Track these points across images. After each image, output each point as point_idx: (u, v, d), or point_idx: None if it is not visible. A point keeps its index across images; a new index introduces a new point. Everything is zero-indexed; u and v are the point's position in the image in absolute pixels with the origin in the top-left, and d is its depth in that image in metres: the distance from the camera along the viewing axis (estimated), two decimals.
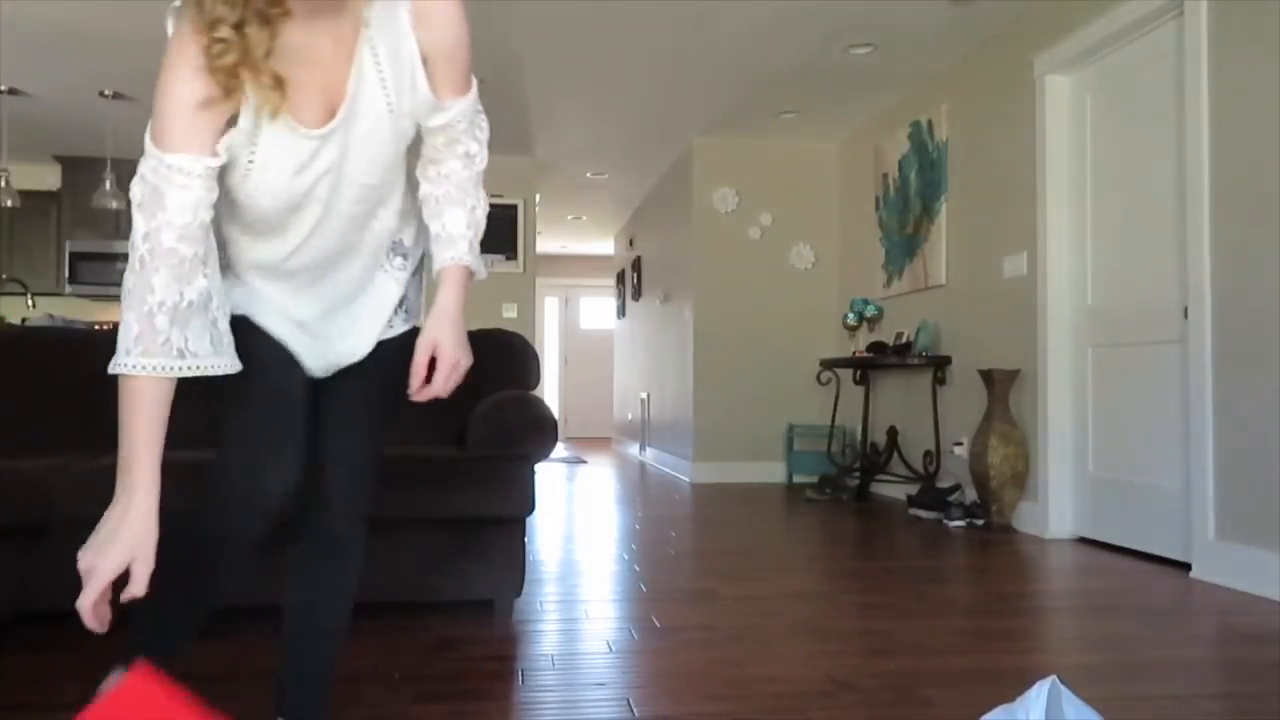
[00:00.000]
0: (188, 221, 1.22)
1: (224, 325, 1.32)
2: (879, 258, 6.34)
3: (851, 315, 6.18)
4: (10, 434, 3.07)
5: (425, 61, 1.33)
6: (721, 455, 7.05)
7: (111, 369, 1.24)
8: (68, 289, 7.44)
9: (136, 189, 1.23)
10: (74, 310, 7.47)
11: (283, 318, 1.44)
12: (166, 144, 1.20)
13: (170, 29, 1.24)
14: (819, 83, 5.82)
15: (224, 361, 1.29)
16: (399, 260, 1.55)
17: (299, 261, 1.41)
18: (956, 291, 5.34)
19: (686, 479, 7.19)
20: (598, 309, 13.54)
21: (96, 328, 6.78)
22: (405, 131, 1.39)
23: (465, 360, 1.50)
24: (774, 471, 7.07)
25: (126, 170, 7.06)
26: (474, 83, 1.46)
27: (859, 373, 6.23)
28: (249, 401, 1.40)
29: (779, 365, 7.07)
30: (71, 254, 7.44)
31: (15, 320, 6.58)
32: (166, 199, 1.21)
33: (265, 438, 1.39)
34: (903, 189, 6.00)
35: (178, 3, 1.22)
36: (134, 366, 1.21)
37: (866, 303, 6.18)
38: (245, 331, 1.39)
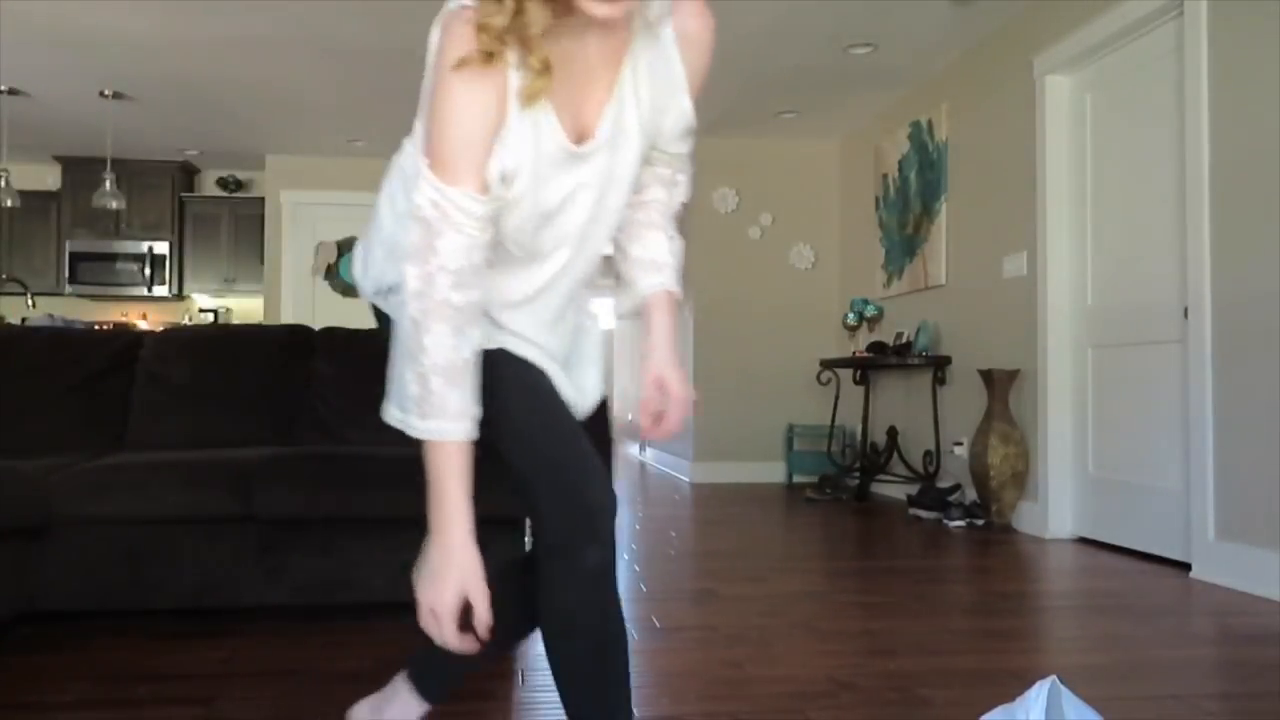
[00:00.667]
0: (461, 266, 1.16)
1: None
2: (879, 258, 6.34)
3: (851, 315, 6.18)
4: (10, 434, 3.07)
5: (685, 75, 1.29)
6: (721, 455, 7.05)
7: (388, 420, 1.24)
8: (68, 289, 7.45)
9: (414, 232, 1.17)
10: (74, 310, 7.47)
11: (540, 352, 1.36)
12: (446, 171, 1.15)
13: (435, 36, 1.18)
14: (819, 83, 5.81)
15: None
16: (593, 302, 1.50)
17: (550, 296, 1.34)
18: (956, 291, 5.34)
19: (686, 479, 7.19)
20: (598, 309, 13.52)
21: (96, 328, 6.79)
22: (645, 156, 1.34)
23: (692, 394, 1.43)
24: (774, 471, 7.07)
25: (126, 170, 7.12)
26: None
27: (859, 373, 6.22)
28: (548, 426, 1.30)
29: (779, 365, 7.07)
30: (71, 254, 7.45)
31: (15, 320, 6.58)
32: (439, 241, 1.15)
33: (579, 453, 1.29)
34: (903, 189, 6.00)
35: (452, 5, 1.16)
36: (415, 429, 1.19)
37: (866, 303, 6.17)
38: (507, 362, 1.31)
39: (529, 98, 1.16)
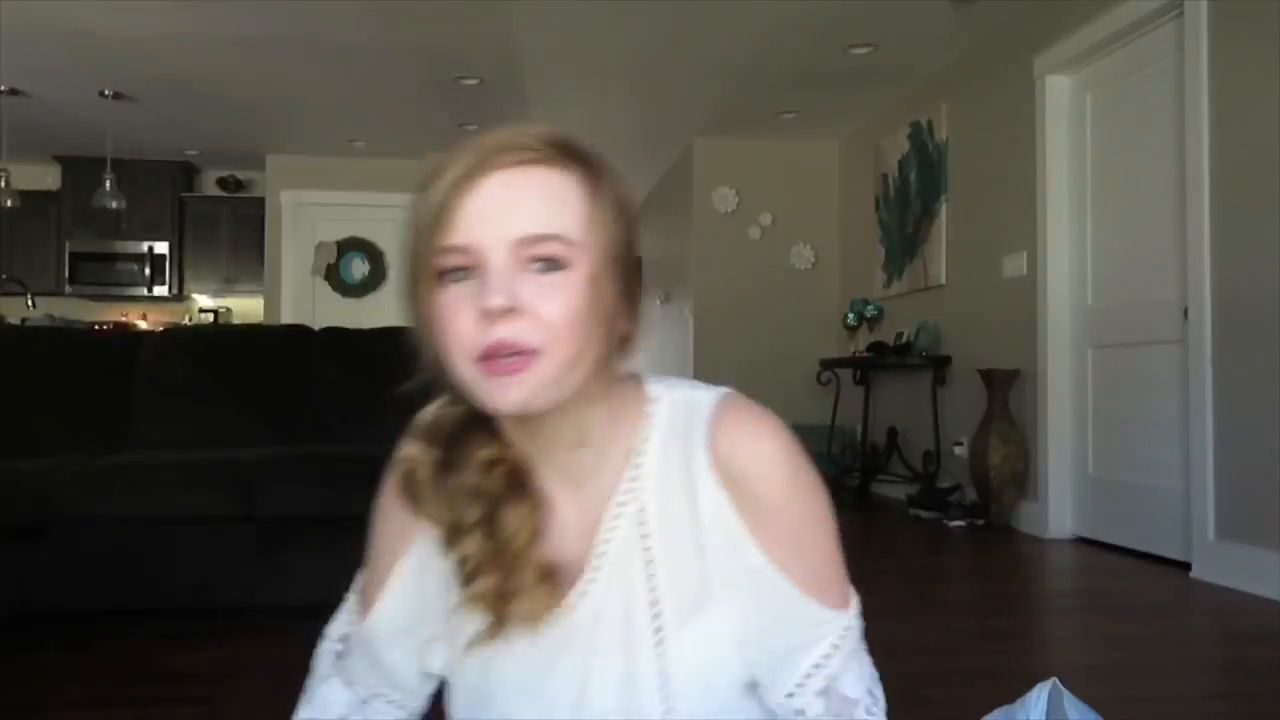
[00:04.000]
0: None
1: None
2: (879, 258, 6.34)
3: (851, 315, 6.18)
4: (10, 434, 3.07)
5: (755, 534, 0.78)
6: None
7: None
8: (68, 289, 7.44)
9: None
10: (74, 310, 7.47)
11: None
12: None
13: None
14: (819, 83, 5.81)
15: None
16: None
17: None
18: (956, 291, 5.33)
19: None
20: None
21: (96, 328, 6.79)
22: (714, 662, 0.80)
23: None
24: None
25: (126, 170, 7.11)
26: (852, 598, 0.86)
27: (859, 373, 6.22)
28: None
29: (779, 365, 7.06)
30: (71, 254, 7.45)
31: (15, 320, 6.58)
32: None
33: None
34: (903, 189, 6.00)
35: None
36: None
37: (866, 303, 6.17)
38: None
39: (528, 621, 0.82)
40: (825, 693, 0.79)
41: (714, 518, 0.78)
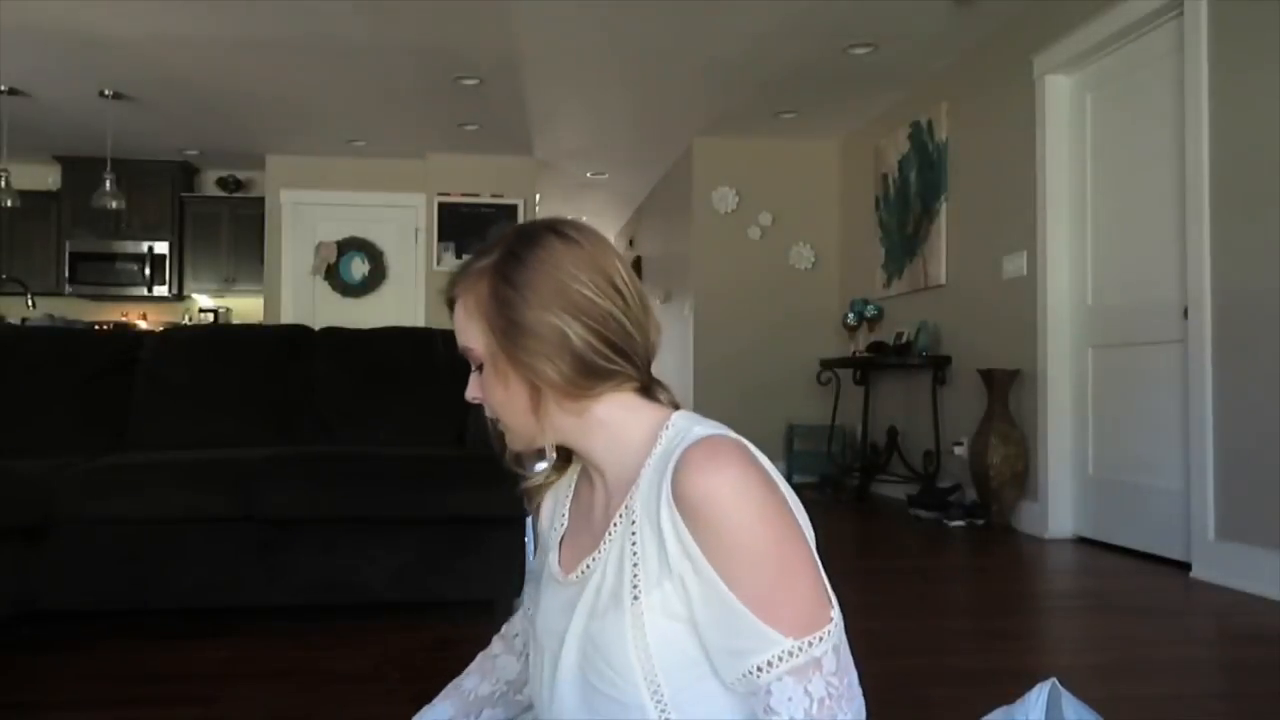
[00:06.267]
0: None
1: None
2: (879, 258, 6.34)
3: (851, 315, 6.18)
4: (10, 434, 3.07)
5: (706, 553, 0.95)
6: None
7: None
8: (68, 289, 7.44)
9: None
10: (74, 310, 7.47)
11: None
12: None
13: None
14: (819, 83, 5.81)
15: None
16: None
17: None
18: (956, 291, 5.33)
19: None
20: None
21: (96, 328, 6.79)
22: (661, 640, 0.97)
23: None
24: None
25: (126, 170, 7.11)
26: (812, 629, 0.94)
27: (859, 373, 6.22)
28: None
29: (779, 365, 7.07)
30: (71, 254, 7.45)
31: (15, 320, 6.58)
32: None
33: None
34: (903, 189, 6.00)
35: None
36: None
37: (866, 303, 6.17)
38: None
39: (529, 495, 1.21)
40: (755, 696, 0.93)
41: (671, 533, 0.96)
